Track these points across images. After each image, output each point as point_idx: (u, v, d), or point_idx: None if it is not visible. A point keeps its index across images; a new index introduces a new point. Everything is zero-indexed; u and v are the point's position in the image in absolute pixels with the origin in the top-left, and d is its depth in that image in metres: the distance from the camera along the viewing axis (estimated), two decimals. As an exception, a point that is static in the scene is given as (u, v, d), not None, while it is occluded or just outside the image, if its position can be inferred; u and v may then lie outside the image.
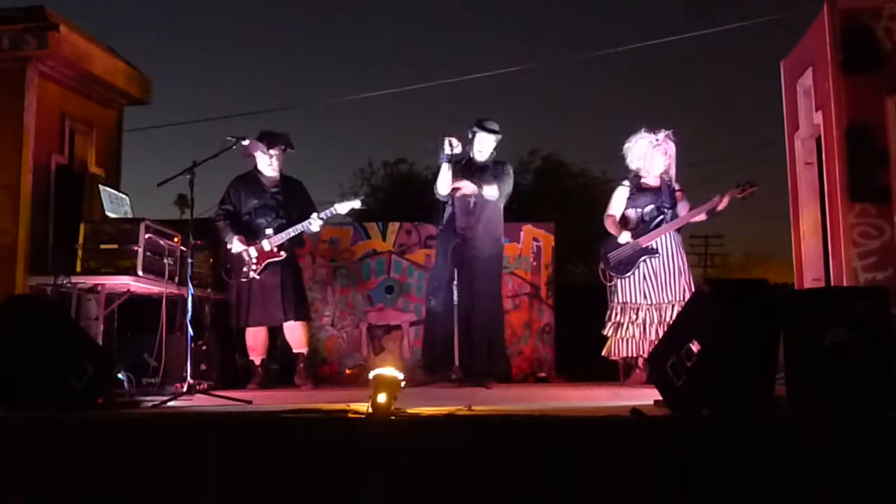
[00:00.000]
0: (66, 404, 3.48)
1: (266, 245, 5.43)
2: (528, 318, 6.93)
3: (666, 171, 5.38)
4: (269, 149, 5.46)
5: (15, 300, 4.41)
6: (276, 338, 5.86)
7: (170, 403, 4.08)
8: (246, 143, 5.05)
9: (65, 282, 5.05)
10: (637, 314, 5.23)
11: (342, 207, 5.48)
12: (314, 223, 5.41)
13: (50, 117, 5.70)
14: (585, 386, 5.57)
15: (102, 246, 5.12)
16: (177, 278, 5.30)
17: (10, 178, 5.35)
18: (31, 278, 5.27)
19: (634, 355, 5.24)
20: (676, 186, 5.37)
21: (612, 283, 5.34)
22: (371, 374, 3.35)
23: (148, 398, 4.29)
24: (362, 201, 5.69)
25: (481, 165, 5.58)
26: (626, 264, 5.27)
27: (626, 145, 5.43)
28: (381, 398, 3.20)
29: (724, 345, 3.11)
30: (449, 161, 5.39)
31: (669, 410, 3.28)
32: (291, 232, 5.43)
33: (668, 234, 5.27)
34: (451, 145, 5.36)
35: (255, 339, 5.57)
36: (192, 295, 4.64)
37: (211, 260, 5.86)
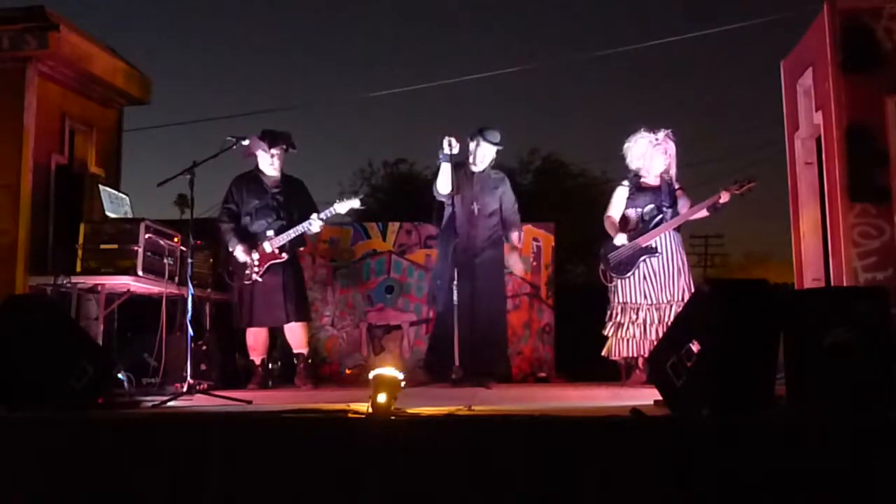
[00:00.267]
0: (66, 404, 3.48)
1: (267, 247, 5.44)
2: (528, 318, 6.93)
3: (666, 171, 5.37)
4: (270, 148, 5.46)
5: (15, 300, 4.41)
6: (276, 338, 5.86)
7: (170, 403, 4.08)
8: (246, 143, 5.05)
9: (65, 282, 5.05)
10: (637, 314, 5.22)
11: (342, 207, 5.48)
12: (314, 224, 5.41)
13: (50, 117, 5.70)
14: (585, 386, 5.56)
15: (102, 246, 5.12)
16: (177, 278, 5.30)
17: (10, 178, 5.36)
18: (31, 278, 5.27)
19: (635, 355, 5.24)
20: (677, 185, 5.37)
21: (613, 283, 5.34)
22: (371, 374, 3.35)
23: (148, 398, 4.29)
24: (362, 200, 5.68)
25: (480, 176, 5.62)
26: (627, 265, 5.27)
27: (626, 145, 5.42)
28: (381, 398, 3.20)
29: (724, 345, 3.11)
30: (448, 161, 5.40)
31: (669, 410, 3.28)
32: (292, 233, 5.44)
33: (668, 234, 5.26)
34: (450, 145, 5.37)
35: (256, 339, 5.57)
36: (192, 295, 4.64)
37: (211, 260, 5.87)
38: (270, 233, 5.46)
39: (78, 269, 5.10)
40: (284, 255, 5.45)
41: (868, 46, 4.86)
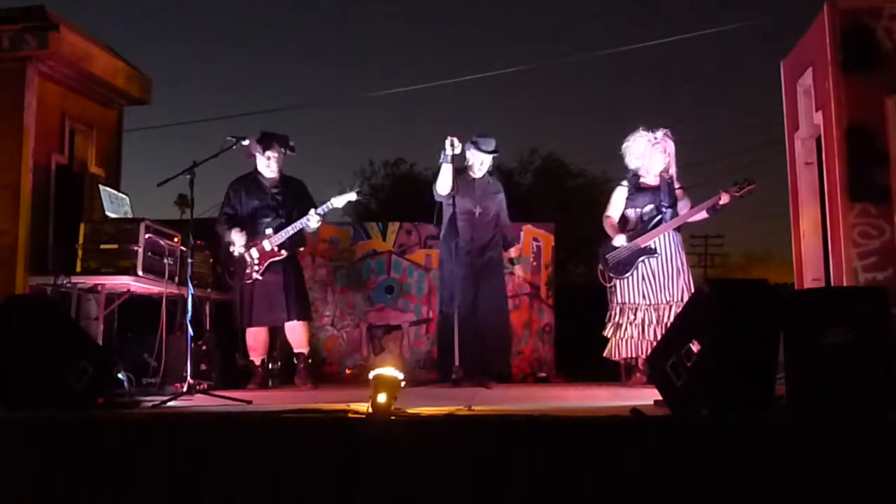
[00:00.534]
0: (66, 404, 3.48)
1: (267, 245, 5.45)
2: (528, 318, 6.93)
3: (665, 170, 5.36)
4: (265, 151, 5.47)
5: (15, 300, 4.41)
6: (276, 338, 5.86)
7: (170, 403, 4.08)
8: (246, 143, 5.05)
9: (65, 282, 5.05)
10: (635, 315, 5.22)
11: (338, 201, 5.50)
12: (312, 219, 5.42)
13: (50, 117, 5.70)
14: (585, 386, 5.57)
15: (102, 246, 5.11)
16: (177, 278, 5.30)
17: (10, 178, 5.35)
18: (31, 278, 5.27)
19: (633, 356, 5.23)
20: (677, 185, 5.37)
21: (612, 283, 5.33)
22: (371, 374, 3.35)
23: (148, 398, 4.29)
24: (358, 192, 5.68)
25: (482, 182, 5.70)
26: (625, 265, 5.26)
27: (625, 144, 5.42)
28: (381, 398, 3.20)
29: (724, 345, 3.11)
30: (450, 162, 5.42)
31: (669, 410, 3.28)
32: (290, 230, 5.45)
33: (667, 234, 5.25)
34: (452, 145, 5.38)
35: (256, 338, 5.58)
36: (192, 295, 4.63)
37: (211, 260, 5.87)
38: (269, 231, 5.47)
39: (78, 269, 5.10)
40: (284, 252, 5.46)
41: (868, 46, 4.86)
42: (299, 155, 5.74)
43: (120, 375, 4.70)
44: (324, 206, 5.46)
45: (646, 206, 5.31)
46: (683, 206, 5.31)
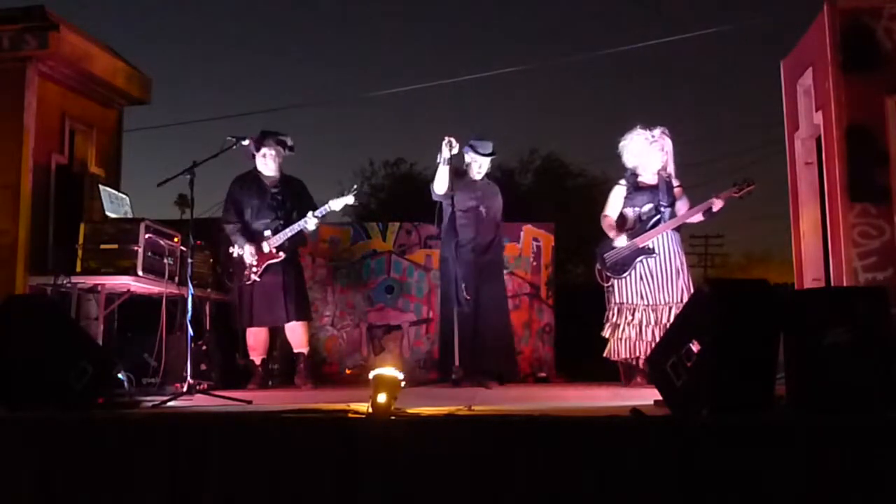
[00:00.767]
0: (66, 404, 3.48)
1: (265, 247, 5.45)
2: (528, 318, 6.93)
3: (663, 168, 5.34)
4: (259, 148, 5.48)
5: (15, 300, 4.41)
6: (276, 338, 5.86)
7: (170, 403, 4.08)
8: (246, 143, 5.05)
9: (65, 282, 5.05)
10: (633, 315, 5.19)
11: (336, 204, 5.51)
12: (310, 221, 5.43)
13: (50, 117, 5.70)
14: (585, 386, 5.57)
15: (102, 246, 5.11)
16: (177, 278, 5.30)
17: (10, 178, 5.36)
18: (31, 278, 5.27)
19: (630, 357, 5.22)
20: (676, 183, 5.34)
21: (610, 283, 5.32)
22: (371, 374, 3.35)
23: (148, 398, 4.29)
24: (356, 196, 5.68)
25: (482, 183, 5.75)
26: (623, 265, 5.23)
27: (622, 143, 5.38)
28: (381, 398, 3.20)
29: (724, 345, 3.11)
30: (448, 164, 5.43)
31: (669, 410, 3.28)
32: (288, 232, 5.45)
33: (666, 234, 5.24)
34: (450, 146, 5.39)
35: (256, 339, 5.58)
36: (192, 295, 4.64)
37: (211, 260, 5.87)
38: (268, 232, 5.48)
39: (78, 269, 5.10)
40: (282, 254, 5.46)
41: (868, 46, 4.86)
42: (299, 155, 5.74)
43: (120, 375, 4.70)
44: (321, 209, 5.47)
45: (644, 205, 5.29)
46: (681, 206, 5.30)
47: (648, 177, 5.34)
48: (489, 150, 5.68)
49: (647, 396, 3.72)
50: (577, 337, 5.60)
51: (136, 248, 5.06)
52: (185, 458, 2.94)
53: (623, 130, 5.43)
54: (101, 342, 4.84)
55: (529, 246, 7.01)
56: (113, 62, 6.18)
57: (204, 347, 5.42)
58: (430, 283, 6.91)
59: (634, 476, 2.73)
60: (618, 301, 5.27)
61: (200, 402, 4.27)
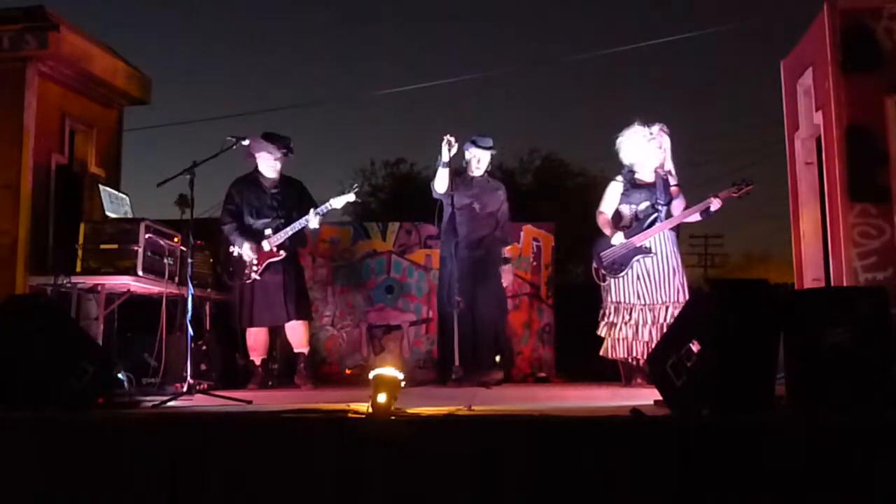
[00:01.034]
0: (66, 404, 3.47)
1: (265, 245, 5.46)
2: (528, 318, 6.93)
3: (661, 165, 5.31)
4: (279, 149, 5.51)
5: (15, 300, 4.41)
6: (276, 338, 5.86)
7: (170, 403, 4.08)
8: (246, 143, 5.05)
9: (65, 282, 5.05)
10: (630, 314, 5.18)
11: (337, 202, 5.52)
12: (312, 219, 5.44)
13: (50, 117, 5.70)
14: (585, 386, 5.56)
15: (102, 246, 5.11)
16: (177, 278, 5.30)
17: (10, 178, 5.36)
18: (31, 278, 5.27)
19: (627, 356, 5.21)
20: (673, 181, 5.31)
21: (606, 282, 5.31)
22: (371, 374, 3.35)
23: (148, 398, 4.28)
24: (356, 194, 5.69)
25: (481, 181, 5.75)
26: (620, 264, 5.22)
27: (619, 139, 5.35)
28: (381, 398, 3.20)
29: (724, 345, 3.11)
30: (447, 165, 5.45)
31: (669, 410, 3.28)
32: (289, 231, 5.46)
33: (662, 233, 5.22)
34: (449, 145, 5.40)
35: (256, 338, 5.58)
36: (192, 295, 4.63)
37: (211, 260, 5.87)
38: (268, 231, 5.49)
39: (78, 269, 5.10)
40: (283, 252, 5.47)
41: (868, 46, 4.85)
42: (299, 155, 5.76)
43: (120, 375, 4.69)
44: (323, 207, 5.48)
45: (641, 203, 5.27)
46: (677, 205, 5.27)
47: (646, 174, 5.32)
48: (488, 144, 5.69)
49: (647, 396, 3.71)
50: (577, 337, 5.59)
51: (136, 248, 5.06)
52: (185, 458, 2.94)
53: (622, 129, 5.42)
54: (101, 342, 4.83)
55: (529, 246, 7.01)
56: (113, 62, 6.18)
57: (204, 347, 5.42)
58: (430, 283, 6.91)
59: (634, 476, 2.73)
60: (614, 300, 5.26)
61: (200, 402, 4.27)
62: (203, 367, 5.28)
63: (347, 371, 6.87)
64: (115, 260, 5.08)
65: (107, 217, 5.56)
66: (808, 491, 2.67)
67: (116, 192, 5.94)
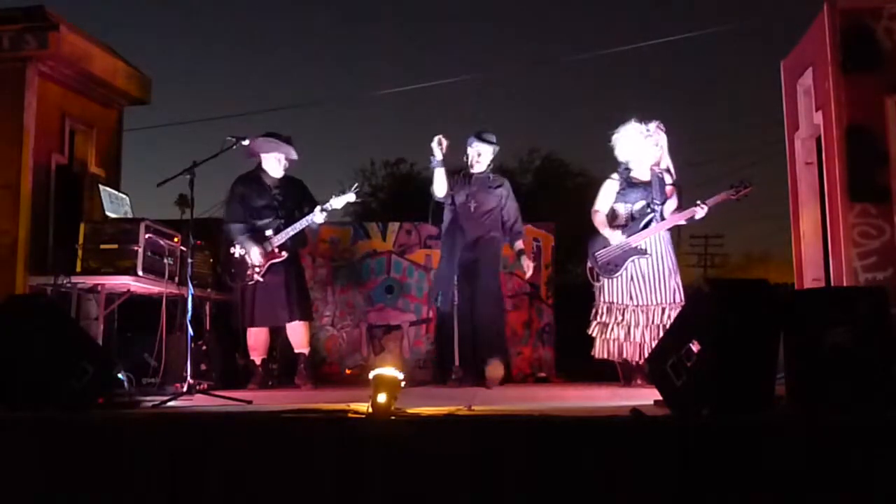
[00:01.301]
0: (66, 404, 3.47)
1: (267, 246, 5.46)
2: (528, 318, 6.93)
3: (657, 163, 5.29)
4: (294, 153, 5.53)
5: (15, 300, 4.41)
6: (276, 338, 5.86)
7: (170, 403, 4.08)
8: (246, 143, 5.05)
9: (65, 282, 5.05)
10: (623, 315, 5.16)
11: (338, 202, 5.53)
12: (317, 216, 5.45)
13: (50, 117, 5.70)
14: (585, 386, 5.56)
15: (102, 246, 5.11)
16: (177, 278, 5.30)
17: (10, 178, 5.36)
18: (31, 278, 5.27)
19: (617, 358, 5.20)
20: (669, 179, 5.28)
21: (600, 282, 5.29)
22: (371, 374, 3.35)
23: (148, 398, 4.28)
24: (357, 194, 5.69)
25: (481, 178, 5.65)
26: (615, 265, 5.19)
27: (615, 135, 5.31)
28: (381, 398, 3.20)
29: (724, 345, 3.11)
30: (441, 165, 5.43)
31: (669, 410, 3.28)
32: (290, 231, 5.46)
33: (657, 234, 5.21)
34: (440, 145, 5.39)
35: (256, 338, 5.58)
36: (192, 295, 4.63)
37: (211, 260, 5.88)
38: (269, 232, 5.49)
39: (78, 269, 5.10)
40: (284, 253, 5.47)
41: (868, 46, 4.85)
42: (299, 155, 5.75)
43: (120, 375, 4.69)
44: (327, 204, 5.49)
45: (637, 202, 5.24)
46: (670, 205, 5.25)
47: (642, 172, 5.28)
48: (493, 139, 5.62)
49: (647, 396, 3.71)
50: (577, 337, 5.58)
51: (136, 248, 5.06)
52: (185, 458, 2.94)
53: (619, 125, 5.36)
54: (101, 342, 4.83)
55: (529, 246, 7.00)
56: (113, 62, 6.18)
57: (204, 347, 5.42)
58: (430, 283, 6.91)
59: (634, 476, 2.73)
60: (607, 300, 5.24)
61: (200, 402, 4.27)
62: (203, 367, 5.28)
63: (347, 371, 6.87)
64: (115, 260, 5.08)
65: (107, 217, 5.56)
66: (808, 491, 2.67)
67: (116, 192, 5.94)
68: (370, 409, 3.22)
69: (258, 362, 5.60)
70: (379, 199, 19.25)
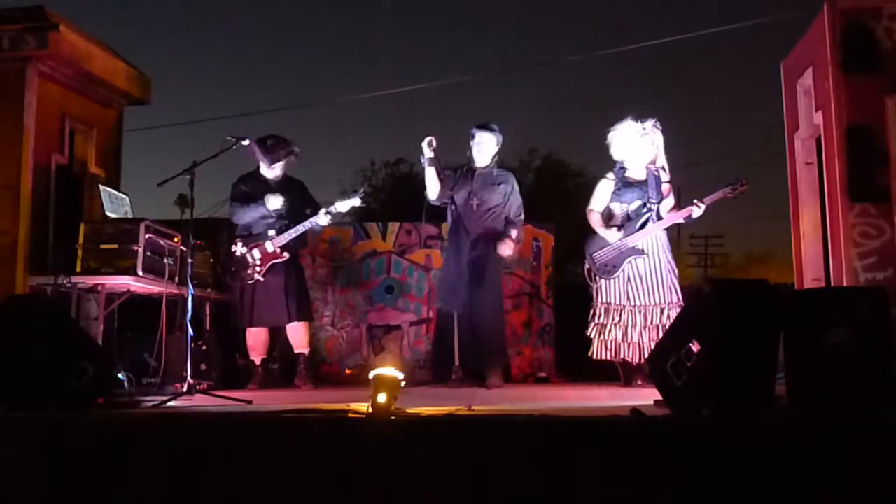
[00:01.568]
0: (66, 404, 3.48)
1: (269, 246, 5.46)
2: (528, 318, 6.92)
3: (653, 161, 5.27)
4: (271, 164, 5.53)
5: (15, 300, 4.41)
6: (276, 338, 5.86)
7: (170, 403, 4.08)
8: (246, 143, 5.04)
9: (65, 282, 5.04)
10: (620, 316, 5.16)
11: (343, 206, 5.52)
12: (322, 219, 5.45)
13: (50, 117, 5.70)
14: (585, 386, 5.56)
15: (102, 246, 5.11)
16: (177, 278, 5.30)
17: (10, 178, 5.36)
18: (31, 278, 5.27)
19: (614, 358, 5.20)
20: (665, 178, 5.27)
21: (597, 283, 5.28)
22: (371, 374, 3.35)
23: (148, 398, 4.28)
24: (361, 198, 5.69)
25: (484, 173, 5.53)
26: (613, 266, 5.17)
27: (611, 134, 5.29)
28: (381, 398, 3.20)
29: (724, 345, 3.11)
30: (431, 164, 5.39)
31: (669, 410, 3.28)
32: (293, 233, 5.46)
33: (654, 234, 5.21)
34: (430, 145, 5.36)
35: (256, 339, 5.58)
36: (192, 295, 4.63)
37: (211, 260, 5.87)
38: (272, 232, 5.49)
39: (78, 269, 5.10)
40: (286, 254, 5.47)
41: (868, 46, 4.85)
42: (300, 155, 5.75)
43: (120, 375, 4.70)
44: (332, 207, 5.49)
45: (633, 202, 5.23)
46: (666, 205, 5.24)
47: (637, 171, 5.27)
48: (496, 128, 5.48)
49: (647, 396, 3.72)
50: (578, 337, 5.58)
51: (136, 248, 5.06)
52: (185, 458, 2.94)
53: (615, 123, 5.33)
54: (101, 342, 4.83)
55: (529, 246, 7.00)
56: (113, 62, 6.18)
57: (204, 347, 5.42)
58: (430, 283, 6.91)
59: (634, 476, 2.73)
60: (604, 301, 5.23)
61: (200, 402, 4.27)
62: (203, 367, 5.27)
63: (347, 371, 6.87)
64: (115, 260, 5.08)
65: (107, 217, 5.56)
66: (808, 491, 2.67)
67: (116, 192, 5.94)
68: (370, 409, 3.22)
69: (258, 362, 5.60)
70: (379, 199, 19.25)
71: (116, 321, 5.46)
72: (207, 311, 5.78)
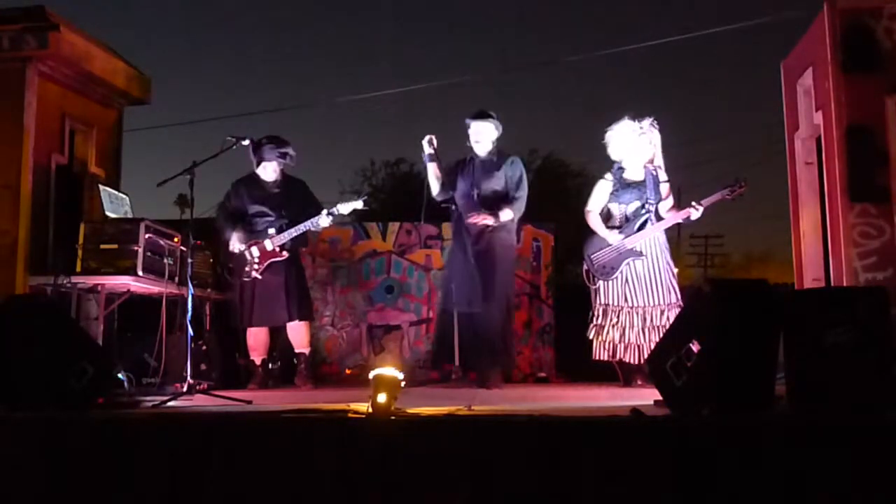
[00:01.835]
0: (66, 404, 3.47)
1: (268, 244, 5.46)
2: (528, 318, 6.93)
3: (650, 161, 5.26)
4: (258, 165, 5.51)
5: (15, 300, 4.41)
6: (276, 338, 5.86)
7: (170, 403, 4.08)
8: (246, 143, 5.04)
9: (65, 282, 5.05)
10: (618, 317, 5.15)
11: (345, 208, 5.51)
12: (323, 220, 5.44)
13: (50, 117, 5.70)
14: (585, 386, 5.56)
15: (102, 246, 5.11)
16: (177, 278, 5.30)
17: (10, 178, 5.36)
18: (31, 278, 5.27)
19: (611, 359, 5.20)
20: (663, 177, 5.26)
21: (596, 285, 5.27)
22: (371, 374, 3.35)
23: (148, 398, 4.28)
24: (364, 202, 5.69)
25: (485, 161, 5.44)
26: (612, 267, 5.17)
27: (608, 133, 5.28)
28: (381, 398, 3.20)
29: (724, 345, 3.11)
30: (432, 160, 5.41)
31: (669, 410, 3.28)
32: (294, 232, 5.46)
33: (652, 234, 5.21)
34: (430, 143, 5.37)
35: (256, 338, 5.58)
36: (192, 295, 4.63)
37: (211, 260, 5.87)
38: (272, 231, 5.49)
39: (78, 269, 5.10)
40: (285, 253, 5.47)
41: (868, 46, 4.85)
42: (299, 154, 5.74)
43: (120, 375, 4.70)
44: (333, 210, 5.49)
45: (631, 202, 5.21)
46: (665, 205, 5.24)
47: (635, 171, 5.26)
48: (485, 115, 5.37)
49: (647, 396, 3.72)
50: (578, 337, 5.58)
51: (136, 248, 5.06)
52: (185, 458, 2.94)
53: (612, 123, 5.32)
54: (101, 342, 4.83)
55: (529, 246, 7.01)
56: (113, 62, 6.18)
57: (204, 347, 5.42)
58: (430, 283, 6.92)
59: (634, 476, 2.73)
60: (603, 302, 5.23)
61: (200, 402, 4.27)
62: (203, 367, 5.28)
63: (347, 371, 6.88)
64: (115, 260, 5.08)
65: (107, 217, 5.56)
66: (808, 491, 2.67)
67: (116, 192, 5.94)
68: (370, 409, 3.22)
69: (258, 362, 5.60)
70: (379, 199, 19.26)
71: (116, 321, 5.46)
72: (207, 311, 5.78)
